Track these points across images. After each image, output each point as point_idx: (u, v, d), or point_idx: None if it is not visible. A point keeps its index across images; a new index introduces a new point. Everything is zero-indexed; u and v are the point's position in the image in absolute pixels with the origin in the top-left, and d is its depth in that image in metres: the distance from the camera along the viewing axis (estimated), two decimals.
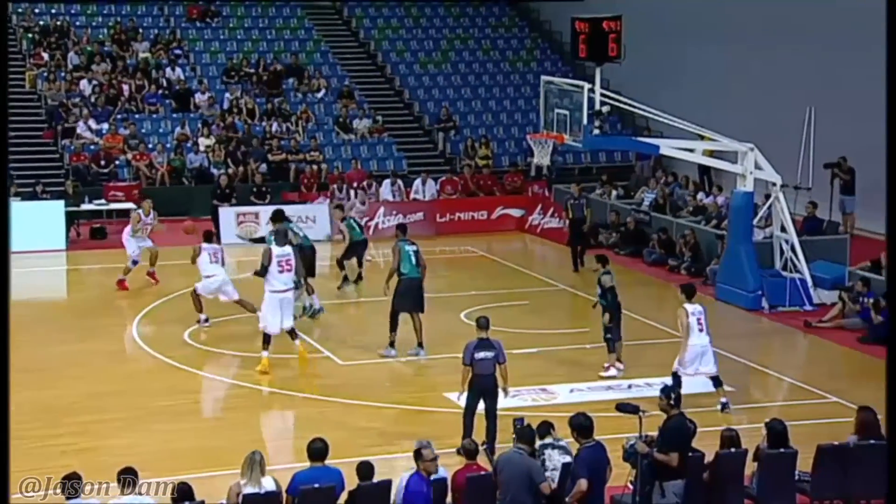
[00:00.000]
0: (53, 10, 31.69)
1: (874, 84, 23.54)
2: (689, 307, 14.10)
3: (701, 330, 13.97)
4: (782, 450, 10.67)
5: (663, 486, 9.94)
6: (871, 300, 17.67)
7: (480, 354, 12.55)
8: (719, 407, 14.12)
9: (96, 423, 13.65)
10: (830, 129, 22.19)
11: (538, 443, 10.30)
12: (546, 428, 10.50)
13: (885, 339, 17.06)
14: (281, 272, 15.26)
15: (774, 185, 19.71)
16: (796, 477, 10.91)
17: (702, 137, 20.28)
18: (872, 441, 10.92)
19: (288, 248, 15.45)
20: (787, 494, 10.31)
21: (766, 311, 19.18)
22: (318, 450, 9.97)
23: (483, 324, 12.83)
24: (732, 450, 10.61)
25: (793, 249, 19.69)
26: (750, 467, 10.83)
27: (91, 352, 16.52)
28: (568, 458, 10.18)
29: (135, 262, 20.04)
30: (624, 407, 10.21)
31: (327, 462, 10.00)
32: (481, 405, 12.67)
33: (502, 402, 12.96)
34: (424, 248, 20.72)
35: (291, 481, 9.83)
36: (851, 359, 16.91)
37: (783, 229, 19.90)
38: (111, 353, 16.64)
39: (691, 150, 20.76)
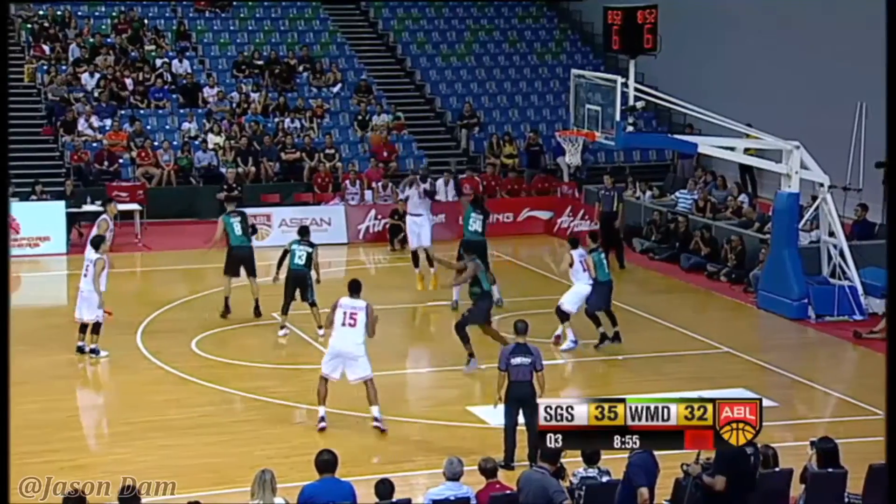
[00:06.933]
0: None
1: None
2: (574, 253, 16.97)
3: (585, 271, 16.85)
4: (831, 469, 10.56)
5: None
6: None
7: (516, 360, 12.67)
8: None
9: (92, 437, 13.66)
10: (883, 127, 21.98)
11: (581, 472, 10.31)
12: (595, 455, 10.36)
13: None
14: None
15: (822, 185, 19.59)
16: (846, 499, 10.82)
17: (747, 135, 20.18)
18: None
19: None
20: None
21: (813, 321, 19.06)
22: (326, 462, 10.01)
23: (521, 328, 13.04)
24: (776, 469, 10.54)
25: (841, 255, 19.55)
26: (797, 488, 10.75)
27: (90, 362, 16.54)
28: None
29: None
30: None
31: (340, 477, 10.01)
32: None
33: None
34: (446, 252, 20.80)
35: (300, 494, 9.85)
36: None
37: (831, 233, 19.77)
38: (110, 363, 16.64)
39: (732, 149, 20.65)
